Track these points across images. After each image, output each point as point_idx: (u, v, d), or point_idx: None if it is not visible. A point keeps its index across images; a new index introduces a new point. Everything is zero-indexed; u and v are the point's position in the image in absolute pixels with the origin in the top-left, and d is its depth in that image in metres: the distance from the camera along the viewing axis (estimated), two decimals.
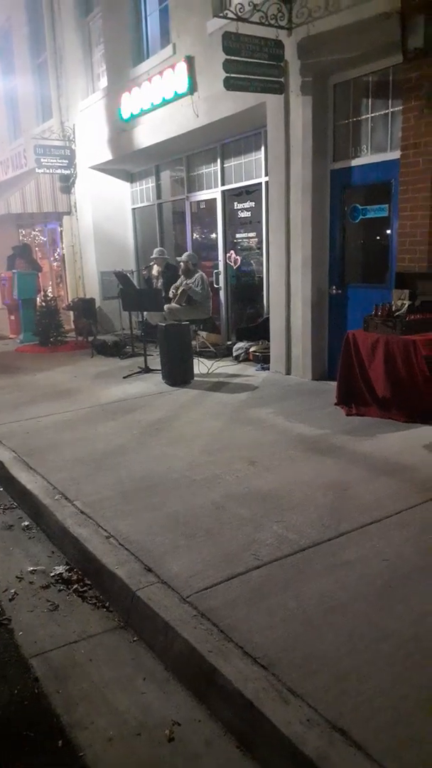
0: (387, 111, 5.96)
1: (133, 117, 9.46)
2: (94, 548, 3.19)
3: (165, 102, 8.58)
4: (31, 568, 3.31)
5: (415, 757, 1.81)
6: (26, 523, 3.90)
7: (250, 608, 2.58)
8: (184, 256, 8.75)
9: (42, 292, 11.90)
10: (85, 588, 3.09)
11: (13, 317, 12.27)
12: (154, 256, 9.68)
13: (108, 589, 2.97)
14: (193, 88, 8.00)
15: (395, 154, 5.71)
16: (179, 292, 8.60)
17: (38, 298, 11.28)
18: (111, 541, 3.25)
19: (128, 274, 9.43)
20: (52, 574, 3.23)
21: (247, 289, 9.15)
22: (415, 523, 3.29)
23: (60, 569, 3.27)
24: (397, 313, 5.26)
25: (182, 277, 8.74)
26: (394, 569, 2.83)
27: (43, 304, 10.85)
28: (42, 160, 11.60)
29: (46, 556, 3.46)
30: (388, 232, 6.11)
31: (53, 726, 2.22)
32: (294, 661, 2.24)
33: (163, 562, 3.00)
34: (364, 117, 6.22)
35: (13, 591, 3.11)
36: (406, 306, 5.27)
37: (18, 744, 2.14)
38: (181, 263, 8.72)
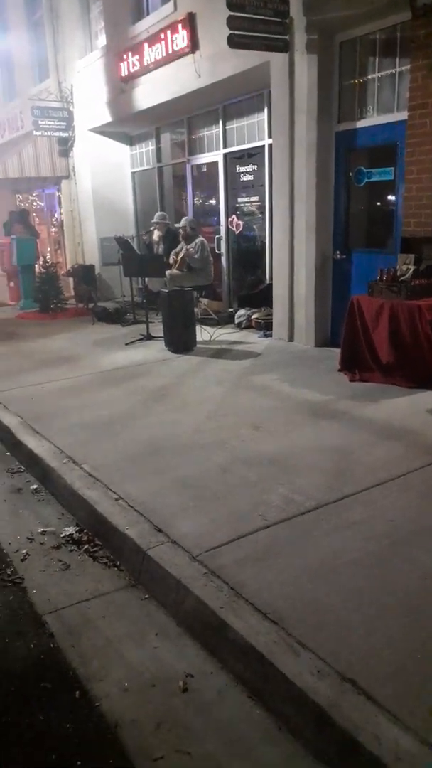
0: (394, 70, 5.83)
1: (132, 77, 9.24)
2: (104, 510, 3.24)
3: (166, 61, 8.38)
4: (42, 530, 3.36)
5: (421, 703, 1.88)
6: (35, 487, 3.94)
7: (258, 566, 2.63)
8: (182, 221, 8.64)
9: (41, 259, 11.79)
10: (95, 548, 3.14)
11: (12, 284, 12.18)
12: (154, 220, 9.56)
13: (119, 549, 3.03)
14: (194, 47, 7.80)
15: (402, 115, 5.61)
16: (179, 258, 8.54)
17: (37, 265, 11.19)
18: (120, 503, 3.30)
19: (128, 240, 9.34)
20: (62, 535, 3.29)
21: (249, 254, 9.08)
22: (419, 486, 3.34)
23: (70, 530, 3.32)
24: (402, 278, 5.24)
25: (183, 242, 8.66)
26: (399, 529, 2.89)
27: (43, 270, 10.77)
28: (39, 122, 11.38)
29: (55, 518, 3.51)
30: (394, 196, 6.04)
31: (70, 678, 2.29)
32: (303, 616, 2.30)
33: (173, 523, 3.05)
34: (370, 76, 6.09)
35: (24, 551, 3.16)
36: (411, 271, 5.25)
37: (37, 695, 2.21)
38: (180, 229, 8.63)
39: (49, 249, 14.72)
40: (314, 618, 2.29)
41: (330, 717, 1.87)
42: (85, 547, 3.16)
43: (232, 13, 5.89)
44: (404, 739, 1.75)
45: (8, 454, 4.53)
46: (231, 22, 5.90)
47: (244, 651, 2.21)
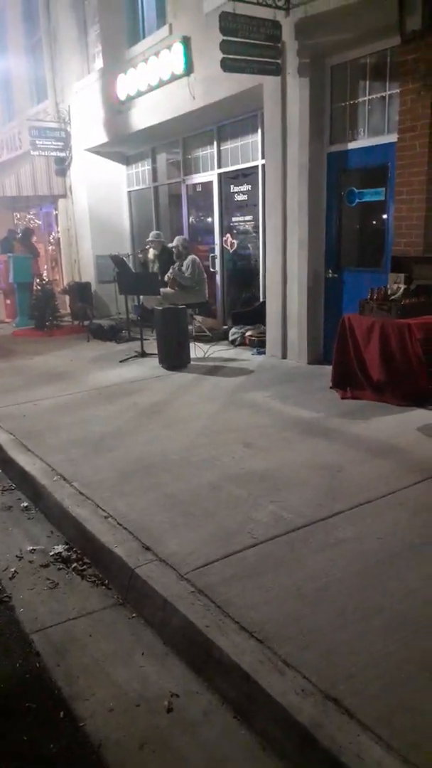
0: (384, 93, 5.94)
1: (128, 99, 9.38)
2: (93, 528, 3.24)
3: (161, 84, 8.51)
4: (31, 548, 3.36)
5: (404, 723, 1.87)
6: (25, 504, 3.94)
7: (246, 585, 2.63)
8: (175, 241, 8.75)
9: (38, 278, 11.85)
10: (84, 566, 3.14)
11: (8, 301, 12.22)
12: (150, 239, 9.65)
13: (107, 567, 3.03)
14: (189, 70, 7.94)
15: (392, 137, 5.71)
16: (170, 277, 8.63)
17: (35, 282, 11.26)
18: (109, 521, 3.30)
19: (124, 258, 9.41)
20: (51, 553, 3.28)
21: (243, 273, 9.16)
22: (408, 503, 3.35)
23: (59, 548, 3.31)
24: (392, 297, 5.30)
25: (178, 261, 8.74)
26: (386, 547, 2.90)
27: (39, 288, 10.82)
28: (37, 142, 11.53)
29: (45, 536, 3.51)
30: (385, 215, 6.12)
31: (54, 698, 2.27)
32: (289, 635, 2.30)
33: (162, 540, 3.05)
34: (361, 99, 6.20)
35: (13, 570, 3.16)
36: (402, 290, 5.30)
37: (21, 715, 2.20)
38: (173, 248, 8.72)
39: (46, 266, 14.81)
40: (300, 637, 2.29)
41: (313, 736, 1.86)
42: (74, 565, 3.16)
43: (225, 38, 6.00)
44: (387, 759, 1.75)
45: None
46: (224, 46, 6.02)
47: (229, 670, 2.21)
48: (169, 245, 8.94)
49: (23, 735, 2.11)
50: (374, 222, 6.41)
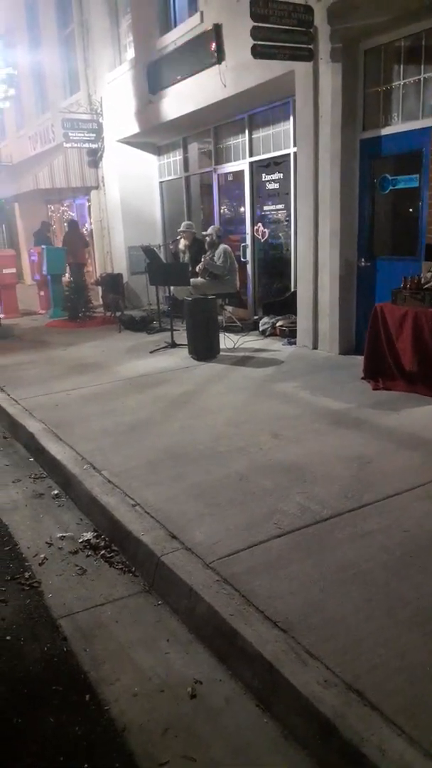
0: (419, 77, 5.79)
1: (160, 88, 9.37)
2: (121, 516, 3.28)
3: (192, 72, 8.47)
4: (60, 535, 3.42)
5: (428, 716, 1.85)
6: (55, 492, 4.01)
7: (271, 575, 2.63)
8: (209, 230, 8.72)
9: (83, 266, 11.88)
10: (112, 554, 3.18)
11: (42, 293, 12.41)
12: (181, 229, 9.64)
13: (134, 554, 3.06)
14: (220, 58, 7.87)
15: (427, 122, 5.58)
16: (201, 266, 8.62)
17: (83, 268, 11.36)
18: (137, 509, 3.33)
19: (155, 249, 9.44)
20: (80, 540, 3.33)
21: (274, 262, 9.09)
22: None
23: (88, 536, 3.37)
24: (426, 286, 5.19)
25: (209, 251, 8.71)
26: (414, 540, 2.86)
27: (72, 279, 10.94)
28: (70, 134, 11.62)
29: (74, 523, 3.57)
30: (419, 203, 5.98)
31: (80, 682, 2.32)
32: (313, 626, 2.29)
33: (188, 529, 3.07)
34: (395, 84, 6.05)
35: (42, 556, 3.22)
36: None
37: (47, 697, 2.25)
38: (207, 236, 8.70)
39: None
40: (324, 627, 2.28)
41: (335, 727, 1.86)
42: (102, 552, 3.20)
43: (256, 24, 5.93)
44: (409, 752, 1.74)
45: (31, 459, 4.62)
46: (255, 32, 5.95)
47: (252, 659, 2.21)
48: (204, 233, 8.92)
49: (50, 717, 2.16)
50: (408, 209, 6.26)
